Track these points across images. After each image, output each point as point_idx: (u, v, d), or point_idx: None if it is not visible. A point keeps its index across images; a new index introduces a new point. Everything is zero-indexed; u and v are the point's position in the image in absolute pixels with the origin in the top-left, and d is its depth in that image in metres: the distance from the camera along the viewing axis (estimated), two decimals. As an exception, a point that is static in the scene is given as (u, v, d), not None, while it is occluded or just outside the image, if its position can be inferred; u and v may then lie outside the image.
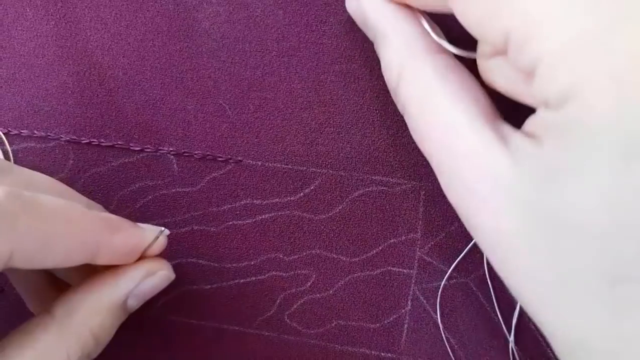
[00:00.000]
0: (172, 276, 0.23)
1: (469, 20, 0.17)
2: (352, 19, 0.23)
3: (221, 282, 0.26)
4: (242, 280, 0.26)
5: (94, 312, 0.20)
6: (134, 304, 0.22)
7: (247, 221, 0.26)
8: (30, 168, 0.27)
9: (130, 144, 0.26)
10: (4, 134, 0.27)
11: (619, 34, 0.14)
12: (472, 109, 0.18)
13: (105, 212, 0.24)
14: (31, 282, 0.24)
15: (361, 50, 0.25)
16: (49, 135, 0.26)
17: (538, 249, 0.16)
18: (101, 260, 0.20)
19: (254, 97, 0.25)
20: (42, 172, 0.26)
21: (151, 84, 0.26)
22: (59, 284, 0.24)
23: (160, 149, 0.26)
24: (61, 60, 0.26)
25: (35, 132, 0.26)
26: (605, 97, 0.14)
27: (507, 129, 0.18)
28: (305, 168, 0.26)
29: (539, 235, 0.16)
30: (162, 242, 0.22)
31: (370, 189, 0.25)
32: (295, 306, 0.26)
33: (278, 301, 0.26)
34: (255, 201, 0.26)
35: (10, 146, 0.27)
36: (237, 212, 0.26)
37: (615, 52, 0.14)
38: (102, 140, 0.26)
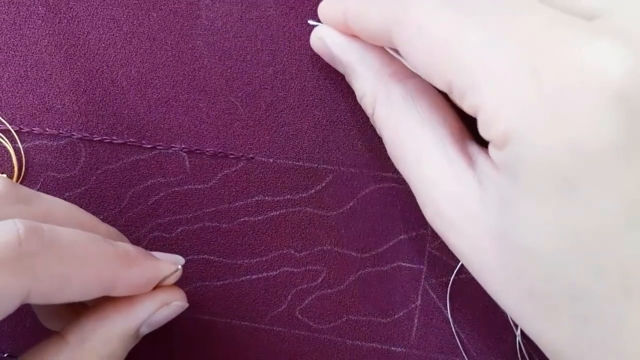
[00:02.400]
0: (186, 305, 0.23)
1: (413, 64, 0.18)
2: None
3: (233, 278, 0.27)
4: (253, 276, 0.27)
5: (106, 341, 0.21)
6: (145, 331, 0.22)
7: (258, 218, 0.26)
8: (42, 166, 0.27)
9: (142, 142, 0.26)
10: (15, 131, 0.27)
11: (548, 79, 0.15)
12: (441, 132, 0.19)
13: (122, 238, 0.25)
14: None
15: (371, 49, 0.25)
16: (61, 133, 0.26)
17: (506, 270, 0.17)
18: (117, 293, 0.20)
19: (266, 94, 0.26)
20: (54, 169, 0.27)
21: (163, 82, 0.26)
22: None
23: (172, 146, 0.26)
24: (73, 58, 0.26)
25: (47, 129, 0.26)
26: (542, 136, 0.15)
27: (475, 149, 0.19)
28: (316, 165, 0.26)
29: (505, 258, 0.17)
30: (178, 273, 0.23)
31: (381, 186, 0.26)
32: (306, 302, 0.27)
33: (289, 297, 0.27)
34: (266, 198, 0.26)
35: (21, 144, 0.27)
36: (249, 209, 0.26)
37: (546, 99, 0.15)
38: (114, 137, 0.26)
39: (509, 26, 0.16)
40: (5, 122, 0.27)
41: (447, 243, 0.19)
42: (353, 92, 0.25)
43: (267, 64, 0.26)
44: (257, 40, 0.25)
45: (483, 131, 0.17)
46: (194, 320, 0.27)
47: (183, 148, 0.26)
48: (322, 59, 0.25)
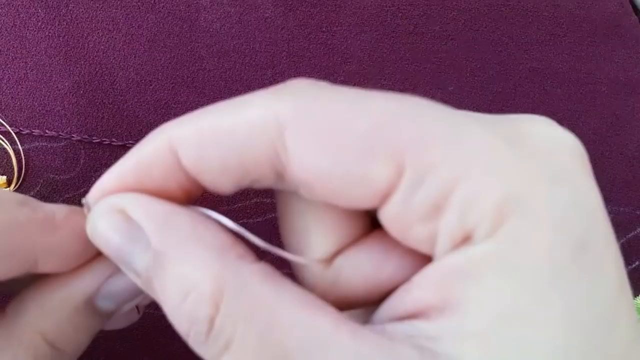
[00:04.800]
0: None
1: (332, 182, 0.13)
2: (363, 21, 0.23)
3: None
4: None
5: (46, 313, 0.17)
6: (108, 306, 0.17)
7: (257, 220, 0.26)
8: (41, 167, 0.27)
9: (142, 144, 0.26)
10: (15, 133, 0.27)
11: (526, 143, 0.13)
12: (335, 315, 0.14)
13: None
14: None
15: (371, 52, 0.25)
16: (60, 135, 0.26)
17: None
18: (45, 267, 0.16)
19: (265, 97, 0.26)
20: (53, 171, 0.27)
21: (162, 84, 0.26)
22: None
23: (171, 149, 0.26)
24: (73, 61, 0.26)
25: (47, 131, 0.27)
26: (547, 198, 0.12)
27: (379, 317, 0.15)
28: (315, 167, 0.26)
29: None
30: None
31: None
32: (305, 304, 0.27)
33: (288, 299, 0.27)
34: (265, 200, 0.26)
35: (21, 145, 0.27)
36: (248, 211, 0.26)
37: (534, 160, 0.13)
38: (114, 139, 0.26)
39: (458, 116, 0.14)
40: (5, 124, 0.27)
41: None
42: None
43: (266, 66, 0.26)
44: (255, 42, 0.25)
45: (460, 218, 0.13)
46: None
47: (182, 150, 0.26)
48: (321, 62, 0.25)
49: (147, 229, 0.14)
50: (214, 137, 0.14)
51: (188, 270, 0.14)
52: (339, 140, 0.13)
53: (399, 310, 0.14)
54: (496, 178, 0.12)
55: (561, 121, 0.28)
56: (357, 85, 0.27)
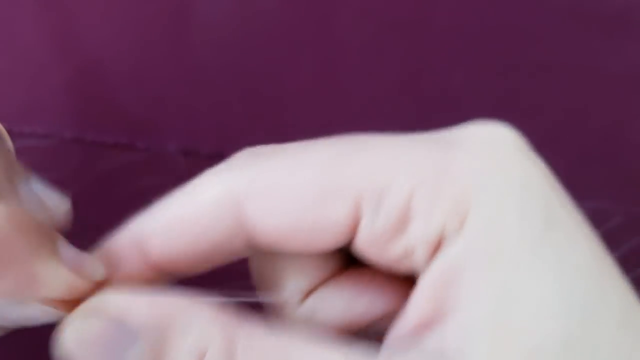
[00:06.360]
0: None
1: (300, 236, 0.14)
2: (364, 11, 0.23)
3: (229, 282, 0.26)
4: (251, 281, 0.26)
5: None
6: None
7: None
8: (31, 166, 0.26)
9: (136, 142, 0.26)
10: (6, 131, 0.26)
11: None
12: (344, 350, 0.14)
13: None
14: None
15: (373, 44, 0.25)
16: (52, 133, 0.26)
17: None
18: None
19: (264, 91, 0.25)
20: (44, 170, 0.26)
21: (157, 79, 0.26)
22: None
23: (166, 147, 0.26)
24: (64, 55, 0.26)
25: (38, 129, 0.26)
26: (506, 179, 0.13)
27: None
28: (316, 165, 0.25)
29: None
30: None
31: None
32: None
33: (288, 302, 0.26)
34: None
35: (12, 144, 0.26)
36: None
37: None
38: (107, 137, 0.26)
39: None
40: (-6, 122, 0.26)
41: None
42: (354, 89, 0.25)
43: (264, 59, 0.25)
44: (254, 35, 0.25)
45: (426, 221, 0.13)
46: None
47: (178, 148, 0.26)
48: (322, 55, 0.24)
49: (131, 320, 0.13)
50: (180, 227, 0.15)
51: (195, 335, 0.13)
52: (294, 195, 0.14)
53: (401, 335, 0.14)
54: (447, 178, 0.13)
55: (569, 117, 0.28)
56: (359, 79, 0.26)
